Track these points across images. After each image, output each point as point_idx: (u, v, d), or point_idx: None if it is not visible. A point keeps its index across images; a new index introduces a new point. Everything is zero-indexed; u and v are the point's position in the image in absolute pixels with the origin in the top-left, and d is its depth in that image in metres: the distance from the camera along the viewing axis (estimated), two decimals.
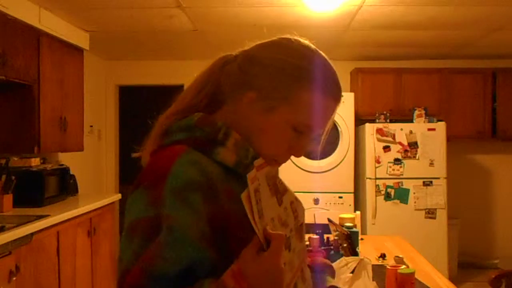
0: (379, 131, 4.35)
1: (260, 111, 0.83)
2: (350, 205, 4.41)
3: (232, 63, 0.87)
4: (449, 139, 4.42)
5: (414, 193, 4.30)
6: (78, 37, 3.78)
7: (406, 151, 4.33)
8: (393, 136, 4.34)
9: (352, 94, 4.55)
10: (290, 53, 0.84)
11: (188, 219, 0.72)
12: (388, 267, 1.60)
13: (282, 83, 0.82)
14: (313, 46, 0.87)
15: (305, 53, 0.85)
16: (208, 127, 0.82)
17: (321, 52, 0.87)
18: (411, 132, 4.35)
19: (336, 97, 0.85)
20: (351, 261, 1.58)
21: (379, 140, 4.35)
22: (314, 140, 0.88)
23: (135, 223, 0.74)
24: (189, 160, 0.77)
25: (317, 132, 0.86)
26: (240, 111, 0.84)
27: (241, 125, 0.84)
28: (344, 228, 1.99)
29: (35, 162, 3.30)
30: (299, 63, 0.83)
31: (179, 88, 4.39)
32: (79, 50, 3.87)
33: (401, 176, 4.32)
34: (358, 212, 3.17)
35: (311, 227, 3.32)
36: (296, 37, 0.87)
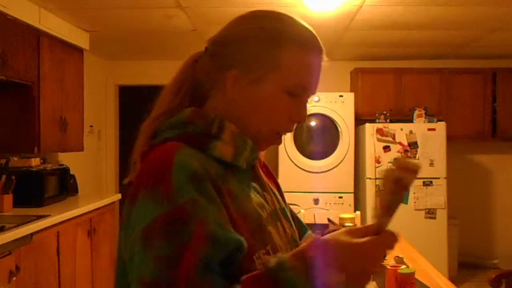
0: (379, 131, 4.35)
1: (247, 86, 0.79)
2: (350, 205, 4.41)
3: (203, 56, 0.85)
4: (449, 139, 4.42)
5: (414, 193, 4.30)
6: (78, 37, 3.78)
7: (406, 151, 4.33)
8: (393, 136, 4.34)
9: (352, 94, 4.55)
10: (259, 20, 0.81)
11: (211, 205, 0.68)
12: (388, 267, 1.60)
13: (261, 51, 0.78)
14: (277, 10, 0.84)
15: (273, 16, 0.82)
16: (200, 121, 0.78)
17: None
18: (411, 132, 4.35)
19: (319, 50, 0.83)
20: None
21: (379, 140, 4.35)
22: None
23: (149, 228, 0.65)
24: (187, 153, 0.72)
25: (312, 91, 0.83)
26: (228, 96, 0.80)
27: (234, 111, 0.80)
28: None
29: (35, 162, 3.30)
30: (272, 25, 0.80)
31: None
32: (79, 50, 3.87)
33: None
34: (358, 212, 3.18)
35: (311, 227, 3.33)
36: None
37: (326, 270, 0.65)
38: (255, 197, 0.81)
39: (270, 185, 0.92)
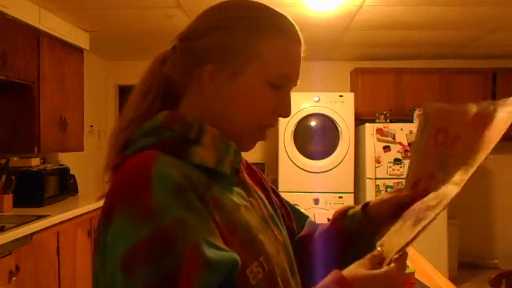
0: (379, 131, 4.35)
1: (226, 81, 0.72)
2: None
3: (172, 55, 0.78)
4: None
5: None
6: (78, 37, 3.78)
7: (406, 151, 4.33)
8: (393, 136, 4.34)
9: (352, 94, 4.55)
10: (233, 9, 0.74)
11: (198, 220, 0.61)
12: None
13: (239, 41, 0.71)
14: None
15: (248, 5, 0.75)
16: (177, 125, 0.71)
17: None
18: (411, 132, 4.35)
19: (298, 38, 0.76)
20: None
21: (379, 140, 4.35)
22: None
23: (130, 253, 0.57)
24: (166, 162, 0.65)
25: (295, 82, 0.77)
26: (206, 93, 0.73)
27: (213, 109, 0.74)
28: None
29: (35, 162, 3.30)
30: (249, 13, 0.73)
31: None
32: (79, 50, 3.87)
33: (401, 176, 4.32)
34: None
35: None
36: None
37: None
38: (242, 204, 0.74)
39: (256, 188, 0.85)
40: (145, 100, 0.76)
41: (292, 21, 0.76)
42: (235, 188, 0.76)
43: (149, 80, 0.78)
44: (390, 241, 0.72)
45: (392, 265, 0.68)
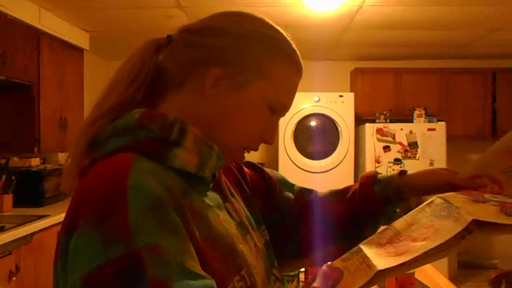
0: (379, 131, 4.35)
1: (228, 89, 0.68)
2: None
3: (171, 43, 0.73)
4: (449, 139, 4.42)
5: None
6: (78, 37, 3.79)
7: (406, 151, 4.33)
8: (393, 136, 4.34)
9: (352, 94, 4.55)
10: (254, 22, 0.71)
11: (179, 245, 0.55)
12: None
13: (254, 54, 0.68)
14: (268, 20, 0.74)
15: (267, 23, 0.73)
16: (156, 125, 0.64)
17: None
18: (411, 132, 4.35)
19: (301, 71, 0.75)
20: None
21: (379, 140, 4.35)
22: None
23: (94, 276, 0.50)
24: (144, 169, 0.58)
25: (285, 113, 0.75)
26: (202, 95, 0.68)
27: (205, 115, 0.69)
28: None
29: (35, 162, 3.31)
30: (269, 32, 0.71)
31: None
32: (79, 50, 3.87)
33: None
34: None
35: None
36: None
37: None
38: (220, 212, 0.70)
39: (232, 190, 0.80)
40: (131, 86, 0.69)
41: (299, 54, 0.75)
42: (211, 193, 0.71)
43: (139, 65, 0.71)
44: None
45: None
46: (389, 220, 0.81)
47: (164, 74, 0.71)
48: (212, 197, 0.71)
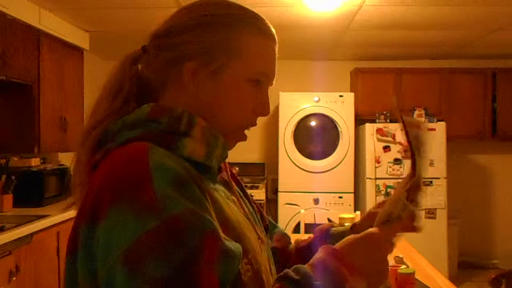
0: (379, 131, 4.35)
1: (207, 78, 0.71)
2: (350, 205, 4.41)
3: (145, 54, 0.77)
4: (449, 139, 4.42)
5: None
6: (78, 37, 3.78)
7: (406, 151, 4.32)
8: (393, 136, 4.34)
9: (352, 94, 4.55)
10: (211, 7, 0.74)
11: (205, 212, 0.59)
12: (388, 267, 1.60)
13: (220, 38, 0.70)
14: None
15: (225, 3, 0.75)
16: (165, 118, 0.67)
17: None
18: None
19: (274, 37, 0.76)
20: None
21: (379, 140, 4.35)
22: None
23: (135, 248, 0.53)
24: (162, 153, 0.62)
25: (272, 80, 0.76)
26: (187, 91, 0.71)
27: (195, 107, 0.71)
28: None
29: (35, 162, 3.30)
30: (228, 12, 0.73)
31: None
32: (79, 50, 3.87)
33: (401, 176, 4.31)
34: (358, 212, 3.18)
35: (311, 227, 3.32)
36: None
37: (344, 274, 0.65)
38: (228, 201, 0.74)
39: (235, 186, 0.85)
40: (115, 99, 0.72)
41: (267, 21, 0.76)
42: (217, 185, 0.74)
43: (119, 79, 0.74)
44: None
45: (374, 228, 0.72)
46: None
47: (147, 83, 0.74)
48: (219, 188, 0.74)
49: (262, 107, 0.75)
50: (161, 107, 0.69)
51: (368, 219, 0.88)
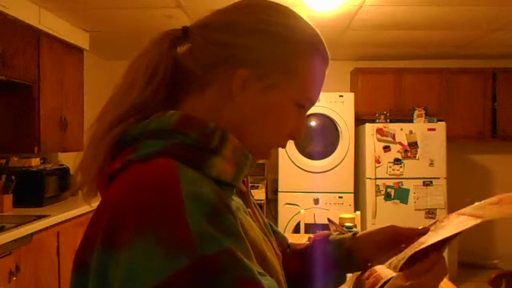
0: (379, 131, 4.35)
1: (258, 92, 0.64)
2: (350, 205, 4.41)
3: (189, 38, 0.67)
4: (449, 139, 4.42)
5: (414, 193, 4.30)
6: (78, 37, 3.79)
7: (406, 151, 4.33)
8: (393, 136, 4.34)
9: (352, 94, 4.55)
10: (278, 14, 0.66)
11: (241, 248, 0.53)
12: None
13: (280, 52, 0.64)
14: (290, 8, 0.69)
15: (289, 13, 0.68)
16: (194, 131, 0.60)
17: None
18: (411, 132, 4.35)
19: (328, 60, 0.71)
20: None
21: (379, 140, 4.34)
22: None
23: (162, 287, 0.47)
24: (193, 176, 0.55)
25: (313, 105, 0.71)
26: (231, 100, 0.64)
27: (234, 118, 0.65)
28: (344, 228, 1.99)
29: (35, 162, 3.30)
30: (291, 24, 0.66)
31: None
32: (79, 50, 3.87)
33: (401, 176, 4.32)
34: (358, 212, 3.18)
35: (311, 227, 3.32)
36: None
37: None
38: (246, 216, 0.69)
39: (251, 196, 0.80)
40: (149, 85, 0.64)
41: (323, 39, 0.70)
42: (236, 198, 0.69)
43: (156, 61, 0.65)
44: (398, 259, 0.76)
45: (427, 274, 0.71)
46: (338, 282, 0.84)
47: (184, 72, 0.66)
48: (237, 202, 0.69)
49: (298, 132, 0.70)
50: (190, 118, 0.61)
51: (376, 232, 0.87)
